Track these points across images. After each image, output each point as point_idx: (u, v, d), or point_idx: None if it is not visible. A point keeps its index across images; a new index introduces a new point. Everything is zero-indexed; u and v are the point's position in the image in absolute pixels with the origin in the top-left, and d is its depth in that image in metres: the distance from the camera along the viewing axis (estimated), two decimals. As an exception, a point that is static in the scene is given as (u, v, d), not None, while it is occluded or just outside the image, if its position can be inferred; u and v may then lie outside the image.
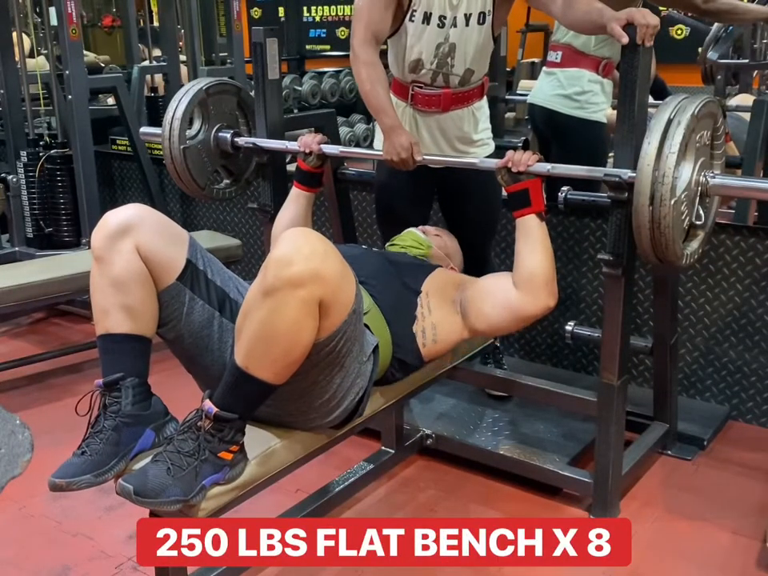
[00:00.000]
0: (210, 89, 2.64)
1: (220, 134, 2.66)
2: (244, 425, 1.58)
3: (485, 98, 2.50)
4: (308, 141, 2.37)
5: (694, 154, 1.86)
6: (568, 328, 2.45)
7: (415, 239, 2.27)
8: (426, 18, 2.28)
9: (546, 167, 2.00)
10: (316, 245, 1.51)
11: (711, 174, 1.91)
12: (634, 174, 1.86)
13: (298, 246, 1.49)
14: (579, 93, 2.83)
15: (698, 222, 1.92)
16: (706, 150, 1.95)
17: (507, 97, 3.85)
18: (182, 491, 1.47)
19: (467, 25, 2.29)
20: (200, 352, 1.72)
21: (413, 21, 2.29)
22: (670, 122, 1.82)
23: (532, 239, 2.02)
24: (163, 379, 1.80)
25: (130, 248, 1.64)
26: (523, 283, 2.00)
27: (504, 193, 2.12)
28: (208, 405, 1.54)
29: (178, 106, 2.59)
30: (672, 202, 1.79)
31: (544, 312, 2.02)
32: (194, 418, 1.56)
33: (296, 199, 2.40)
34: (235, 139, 2.64)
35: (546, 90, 2.94)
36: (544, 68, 3.03)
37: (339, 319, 1.56)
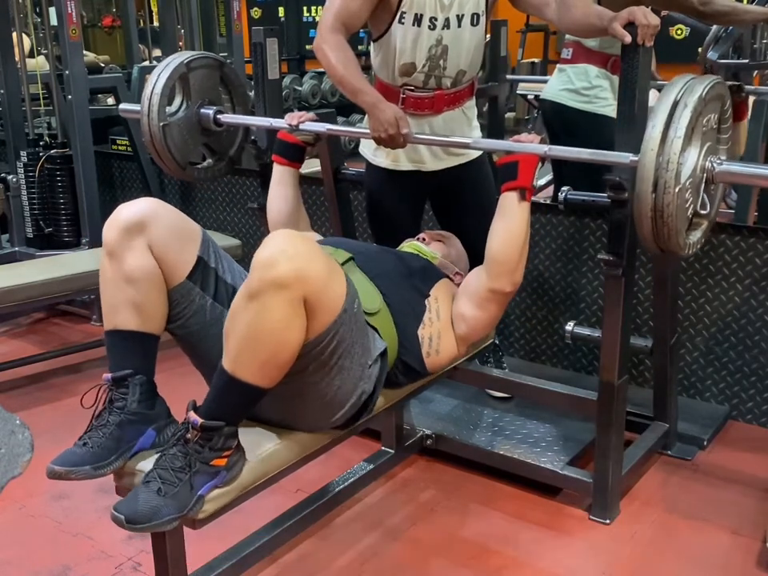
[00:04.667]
0: (192, 63, 2.55)
1: (202, 110, 2.58)
2: (234, 430, 1.55)
3: (474, 96, 2.48)
4: (297, 113, 2.33)
5: (701, 138, 1.75)
6: (568, 328, 2.45)
7: (418, 250, 2.22)
8: (417, 20, 2.22)
9: (543, 148, 1.94)
10: (299, 246, 1.49)
11: (718, 161, 1.79)
12: (636, 159, 1.77)
13: (281, 247, 1.47)
14: (587, 88, 2.85)
15: (702, 211, 1.82)
16: (713, 134, 1.83)
17: (509, 77, 3.87)
18: (176, 508, 1.46)
19: (459, 26, 2.26)
20: (208, 350, 1.72)
21: (402, 23, 2.23)
22: (676, 103, 1.71)
23: (507, 218, 1.94)
24: (164, 379, 1.79)
25: (143, 245, 1.64)
26: (486, 262, 1.97)
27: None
28: (193, 416, 1.52)
29: (157, 81, 2.49)
30: (676, 189, 1.69)
31: (500, 297, 1.97)
32: (181, 431, 1.54)
33: (283, 178, 2.34)
34: (218, 116, 2.57)
35: (555, 85, 2.98)
36: (558, 65, 3.07)
37: (328, 319, 1.55)
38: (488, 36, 2.62)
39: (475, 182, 2.49)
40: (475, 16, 2.27)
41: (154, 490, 1.46)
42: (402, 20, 2.23)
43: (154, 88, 2.50)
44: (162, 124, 2.50)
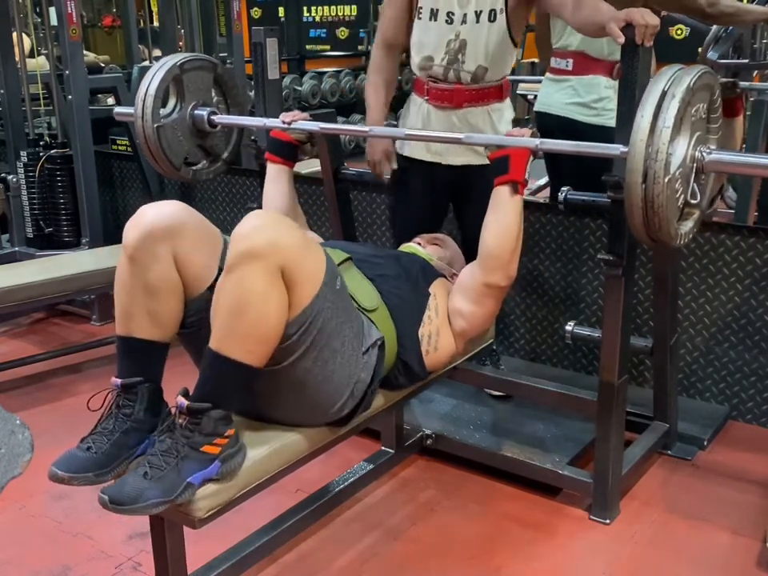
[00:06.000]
0: (185, 64, 2.55)
1: (196, 111, 2.58)
2: (226, 414, 1.54)
3: (506, 102, 2.49)
4: (291, 112, 2.36)
5: (690, 128, 1.74)
6: (568, 328, 2.45)
7: (415, 252, 2.23)
8: (433, 15, 2.35)
9: (534, 141, 1.94)
10: (269, 220, 1.55)
11: (707, 150, 1.78)
12: (626, 150, 1.76)
13: (253, 222, 1.52)
14: (596, 100, 2.81)
15: (693, 201, 1.82)
16: (702, 123, 1.82)
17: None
18: (161, 491, 1.44)
19: (478, 21, 2.33)
20: None
21: (420, 18, 2.37)
22: (664, 94, 1.69)
23: (500, 212, 1.96)
24: (164, 378, 1.79)
25: (168, 255, 1.62)
26: (480, 257, 1.98)
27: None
28: (180, 400, 1.52)
29: (151, 83, 2.49)
30: (666, 179, 1.69)
31: (495, 292, 1.98)
32: (171, 418, 1.54)
33: (277, 176, 2.32)
34: (212, 117, 2.57)
35: (560, 98, 2.88)
36: (549, 75, 2.97)
37: (309, 293, 1.56)
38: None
39: (490, 184, 2.49)
40: (492, 12, 2.33)
41: (140, 473, 1.46)
42: (420, 15, 2.38)
43: (147, 90, 2.50)
44: (155, 125, 2.51)
